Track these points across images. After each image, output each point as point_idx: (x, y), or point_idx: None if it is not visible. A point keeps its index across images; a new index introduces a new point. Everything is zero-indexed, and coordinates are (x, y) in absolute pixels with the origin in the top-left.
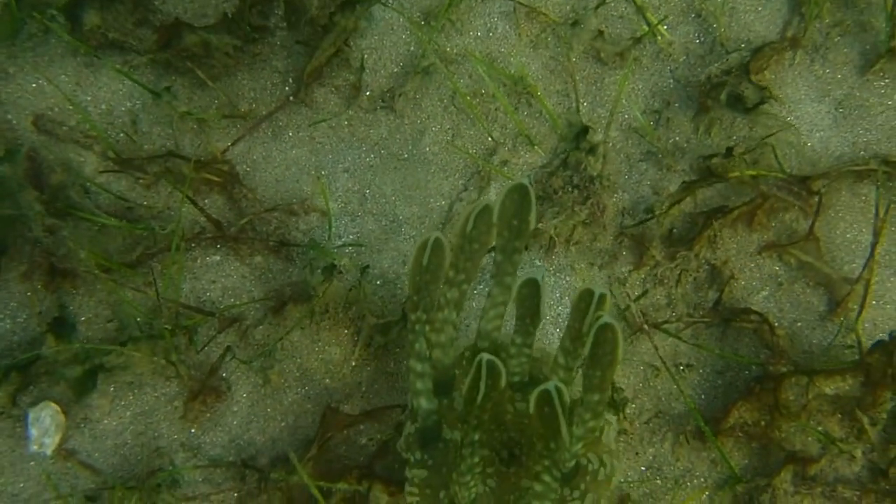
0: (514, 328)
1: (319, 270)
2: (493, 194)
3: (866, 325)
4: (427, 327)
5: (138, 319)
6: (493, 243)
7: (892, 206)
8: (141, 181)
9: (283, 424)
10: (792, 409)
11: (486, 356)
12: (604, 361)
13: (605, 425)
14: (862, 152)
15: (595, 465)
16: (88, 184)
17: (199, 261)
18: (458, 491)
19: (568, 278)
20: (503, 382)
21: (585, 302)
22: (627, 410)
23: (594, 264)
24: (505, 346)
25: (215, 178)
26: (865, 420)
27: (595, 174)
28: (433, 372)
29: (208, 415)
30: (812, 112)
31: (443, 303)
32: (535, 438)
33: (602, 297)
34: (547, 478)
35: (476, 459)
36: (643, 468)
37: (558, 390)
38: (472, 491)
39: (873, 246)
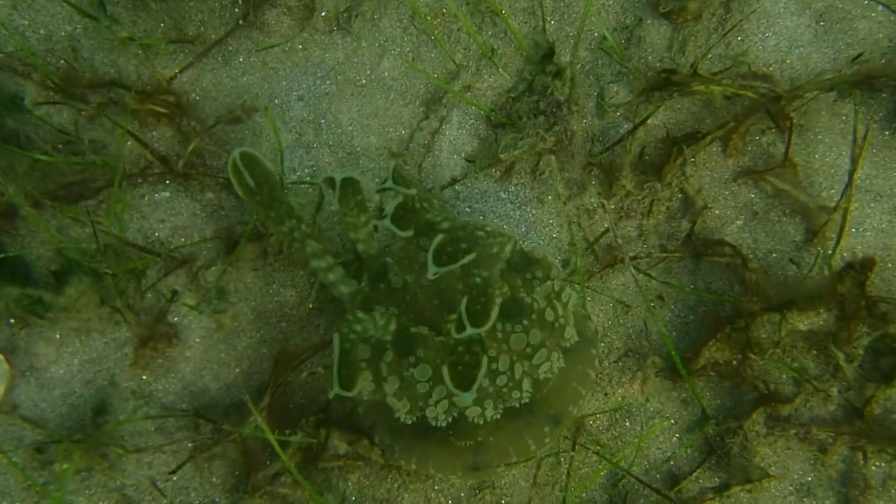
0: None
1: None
2: (456, 122)
3: (844, 253)
4: (303, 228)
5: (81, 261)
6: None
7: (873, 126)
8: (83, 112)
9: (237, 370)
10: (765, 346)
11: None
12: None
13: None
14: (843, 68)
15: (540, 304)
16: (27, 115)
17: (146, 198)
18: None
19: (535, 211)
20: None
21: None
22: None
23: (562, 195)
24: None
25: (161, 109)
26: (841, 356)
27: (562, 98)
28: (364, 263)
29: (160, 361)
30: (791, 27)
31: (347, 211)
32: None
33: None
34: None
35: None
36: (612, 409)
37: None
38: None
39: (851, 173)
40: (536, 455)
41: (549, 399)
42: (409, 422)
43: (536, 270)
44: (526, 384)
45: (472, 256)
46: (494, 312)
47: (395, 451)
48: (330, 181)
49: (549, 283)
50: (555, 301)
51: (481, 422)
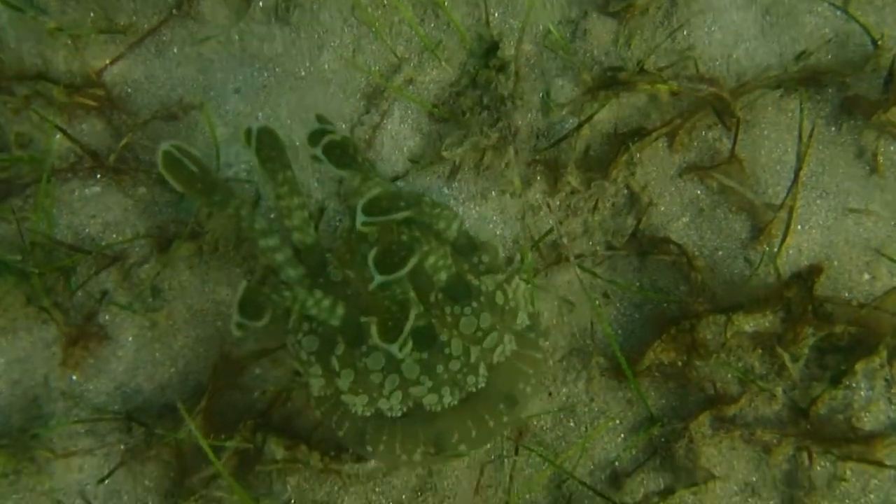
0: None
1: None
2: (397, 117)
3: (790, 251)
4: (246, 209)
5: (6, 261)
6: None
7: (819, 123)
8: (9, 105)
9: (172, 370)
10: (710, 347)
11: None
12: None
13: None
14: (789, 65)
15: (489, 288)
16: None
17: (76, 193)
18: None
19: (479, 207)
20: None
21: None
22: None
23: (506, 191)
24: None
25: (91, 103)
26: (786, 357)
27: (506, 93)
28: (302, 255)
29: (91, 360)
30: (738, 21)
31: (279, 195)
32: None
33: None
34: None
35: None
36: (556, 409)
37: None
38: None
39: (797, 172)
40: (496, 437)
41: (502, 381)
42: (368, 414)
43: (482, 255)
44: (481, 369)
45: (406, 214)
46: (412, 262)
47: (352, 445)
48: (248, 134)
49: (495, 262)
50: (504, 286)
51: (438, 408)
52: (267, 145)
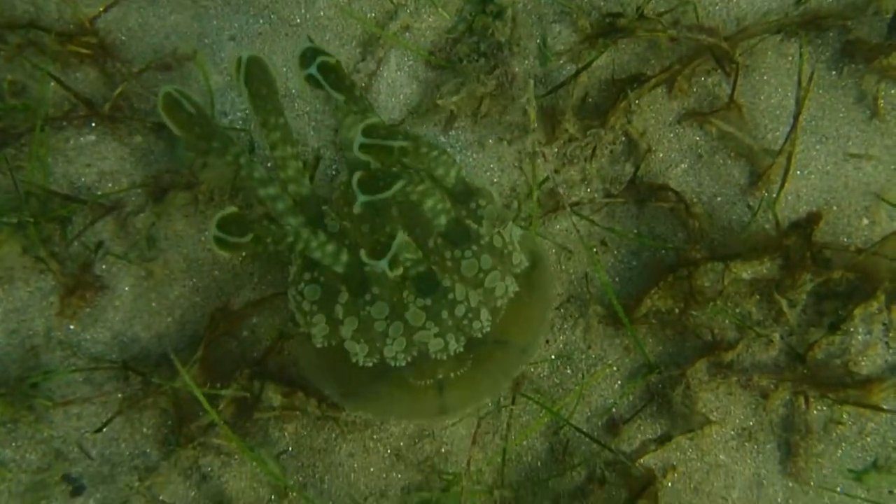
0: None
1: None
2: (394, 65)
3: (789, 197)
4: (245, 158)
5: (1, 209)
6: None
7: (819, 67)
8: (1, 53)
9: (169, 320)
10: (707, 295)
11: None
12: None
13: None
14: (790, 8)
15: (487, 231)
16: None
17: (71, 141)
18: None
19: (476, 155)
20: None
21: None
22: None
23: (503, 139)
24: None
25: (84, 51)
26: (784, 303)
27: (503, 40)
28: (298, 206)
29: (88, 310)
30: None
31: (272, 144)
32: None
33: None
34: None
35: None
36: (553, 356)
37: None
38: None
39: (796, 117)
40: (504, 390)
41: (510, 327)
42: (370, 364)
43: (479, 199)
44: (484, 313)
45: (405, 143)
46: (397, 186)
47: (349, 403)
48: (238, 65)
49: (491, 207)
50: (500, 230)
51: (444, 357)
52: (257, 78)
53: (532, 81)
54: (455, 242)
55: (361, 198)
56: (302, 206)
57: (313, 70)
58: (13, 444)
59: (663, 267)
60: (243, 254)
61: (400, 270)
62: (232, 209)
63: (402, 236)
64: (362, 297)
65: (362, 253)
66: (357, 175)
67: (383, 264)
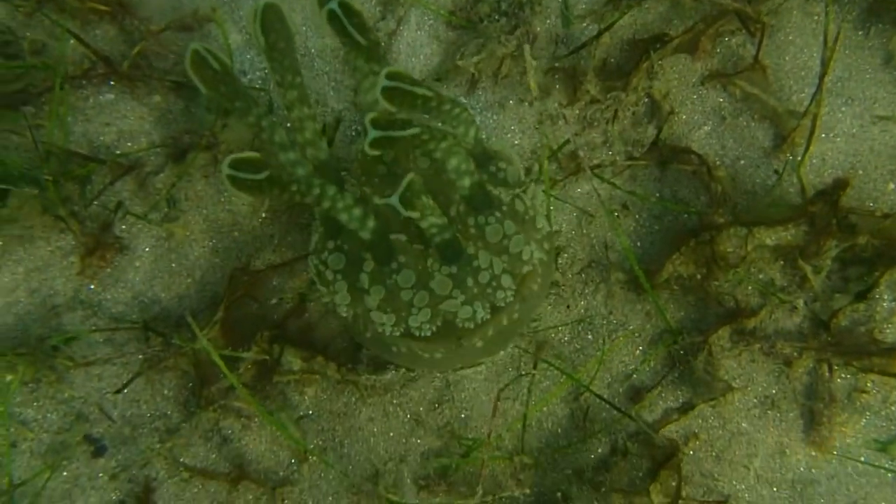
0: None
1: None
2: (414, 24)
3: (814, 160)
4: (268, 120)
5: (22, 171)
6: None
7: (845, 27)
8: (20, 9)
9: (189, 280)
10: (730, 260)
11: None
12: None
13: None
14: None
15: (508, 196)
16: None
17: (90, 100)
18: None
19: (496, 116)
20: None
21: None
22: (560, 261)
23: (524, 100)
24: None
25: (103, 7)
26: (808, 269)
27: None
28: (317, 170)
29: (108, 270)
30: None
31: (288, 105)
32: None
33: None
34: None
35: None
36: (574, 322)
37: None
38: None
39: (821, 78)
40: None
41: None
42: (397, 333)
43: (499, 162)
44: (507, 280)
45: (428, 92)
46: (412, 130)
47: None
48: (255, 15)
49: (512, 169)
50: (521, 193)
51: (472, 325)
52: (274, 30)
53: (528, 48)
54: (477, 209)
55: (372, 132)
56: (320, 170)
57: (334, 5)
58: (35, 404)
59: (685, 231)
60: (262, 203)
61: (416, 214)
62: (249, 153)
63: (411, 175)
64: (388, 266)
65: (375, 198)
66: (371, 114)
67: (394, 200)
